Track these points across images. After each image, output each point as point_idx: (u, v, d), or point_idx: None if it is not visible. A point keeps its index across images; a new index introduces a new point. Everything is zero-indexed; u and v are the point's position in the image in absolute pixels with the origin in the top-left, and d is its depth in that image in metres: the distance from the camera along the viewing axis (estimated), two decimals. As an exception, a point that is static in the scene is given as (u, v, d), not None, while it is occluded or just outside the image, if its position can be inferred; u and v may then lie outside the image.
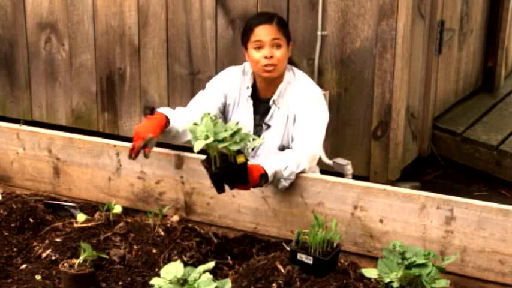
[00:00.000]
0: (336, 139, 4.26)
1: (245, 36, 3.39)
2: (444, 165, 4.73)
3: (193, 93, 4.37)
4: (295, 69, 3.45)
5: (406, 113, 4.23)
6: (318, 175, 3.14)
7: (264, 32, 3.32)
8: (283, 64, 3.35)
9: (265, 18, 3.39)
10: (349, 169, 3.93)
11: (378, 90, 4.10)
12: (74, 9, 4.81)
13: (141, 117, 4.76)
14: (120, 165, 3.31)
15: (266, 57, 3.29)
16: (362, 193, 2.91)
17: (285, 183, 2.99)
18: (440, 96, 4.80)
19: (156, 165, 3.24)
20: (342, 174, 3.85)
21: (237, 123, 2.76)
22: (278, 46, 3.31)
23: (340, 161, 3.97)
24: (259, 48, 3.31)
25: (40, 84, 5.06)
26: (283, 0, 4.21)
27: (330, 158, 4.08)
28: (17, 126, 3.55)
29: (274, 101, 3.38)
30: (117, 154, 3.31)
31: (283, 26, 3.39)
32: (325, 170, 3.72)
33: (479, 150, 4.63)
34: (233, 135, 2.72)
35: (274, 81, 3.37)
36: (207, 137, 2.69)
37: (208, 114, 2.78)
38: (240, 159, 2.77)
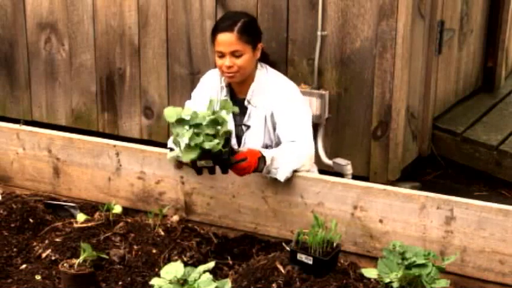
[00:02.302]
0: (336, 139, 4.26)
1: (211, 37, 3.38)
2: (444, 165, 4.73)
3: (193, 93, 4.37)
4: (269, 67, 3.44)
5: (406, 113, 4.22)
6: (318, 175, 3.14)
7: (224, 42, 3.28)
8: (246, 69, 3.32)
9: (227, 24, 3.31)
10: (349, 169, 3.93)
11: (377, 90, 4.10)
12: (74, 9, 4.80)
13: (141, 117, 4.76)
14: (120, 165, 3.31)
15: (226, 67, 3.29)
16: (362, 193, 2.90)
17: (278, 176, 3.01)
18: (440, 96, 4.80)
19: (156, 165, 3.24)
20: (341, 174, 3.85)
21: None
22: (239, 56, 3.29)
23: (340, 161, 3.97)
24: (220, 57, 3.30)
25: (40, 84, 5.05)
26: (283, 0, 4.21)
27: (330, 158, 4.08)
28: (17, 126, 3.54)
29: (249, 101, 3.37)
30: (117, 154, 3.30)
31: (246, 32, 3.30)
32: (325, 170, 3.72)
33: (479, 150, 4.62)
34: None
35: (245, 82, 3.37)
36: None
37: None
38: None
